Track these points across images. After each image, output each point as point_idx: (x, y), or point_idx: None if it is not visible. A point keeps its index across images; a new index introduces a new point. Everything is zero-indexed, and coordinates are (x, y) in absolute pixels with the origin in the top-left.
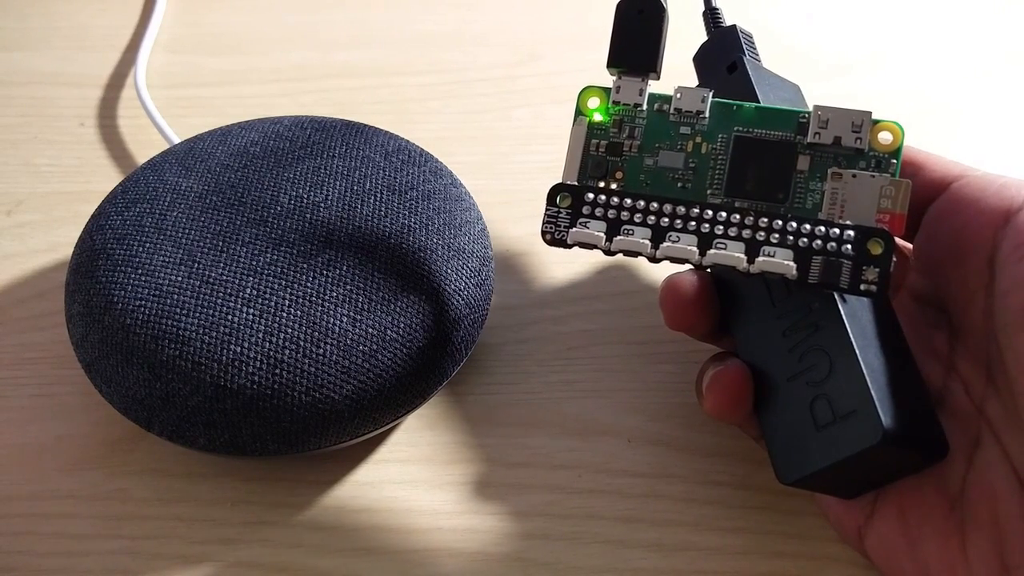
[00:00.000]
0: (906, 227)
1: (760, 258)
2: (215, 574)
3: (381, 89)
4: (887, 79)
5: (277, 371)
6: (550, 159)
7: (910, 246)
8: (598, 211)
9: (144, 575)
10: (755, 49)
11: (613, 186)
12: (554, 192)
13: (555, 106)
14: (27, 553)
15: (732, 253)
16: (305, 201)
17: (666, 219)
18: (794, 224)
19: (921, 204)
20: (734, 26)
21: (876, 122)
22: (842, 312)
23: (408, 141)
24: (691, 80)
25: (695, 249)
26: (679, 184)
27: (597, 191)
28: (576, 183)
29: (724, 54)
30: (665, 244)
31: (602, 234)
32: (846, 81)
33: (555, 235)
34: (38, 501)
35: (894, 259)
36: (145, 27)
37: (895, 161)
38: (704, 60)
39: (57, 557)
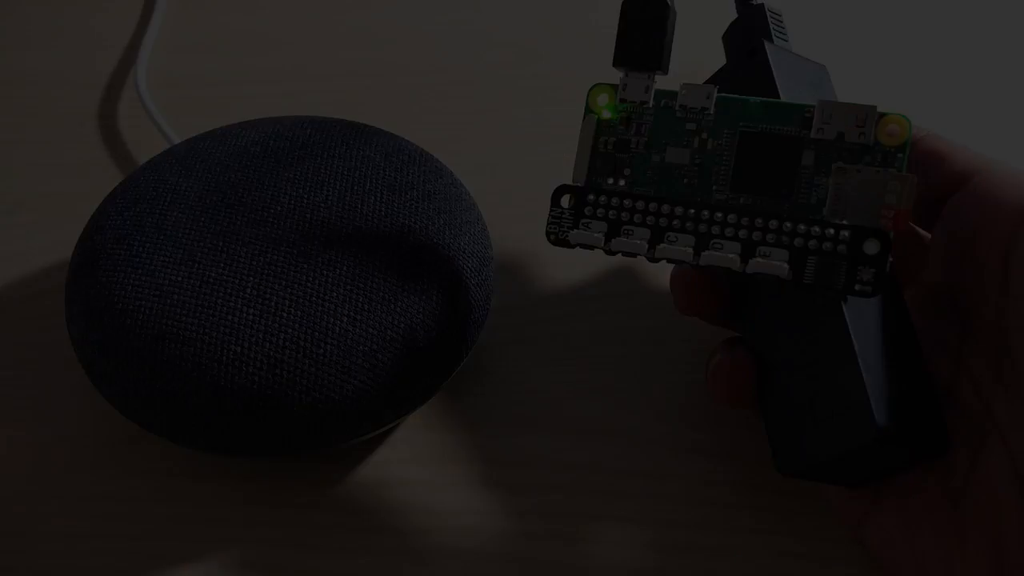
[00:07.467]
0: (926, 218)
1: (754, 259)
2: (215, 574)
3: (381, 89)
4: (895, 77)
5: (277, 371)
6: (550, 159)
7: (929, 236)
8: (599, 212)
9: (144, 575)
10: (783, 28)
11: (621, 183)
12: (558, 193)
13: (555, 106)
14: (27, 553)
15: (726, 255)
16: (305, 201)
17: (665, 219)
18: (789, 224)
19: (942, 195)
20: (762, 5)
21: (883, 115)
22: (844, 307)
23: (408, 141)
24: (719, 62)
25: (690, 250)
26: (685, 180)
27: (599, 192)
28: (584, 181)
29: (750, 35)
30: (662, 245)
31: (602, 235)
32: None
33: (559, 235)
34: (38, 501)
35: (890, 259)
36: (145, 27)
37: (901, 155)
38: (732, 40)
39: (57, 557)
